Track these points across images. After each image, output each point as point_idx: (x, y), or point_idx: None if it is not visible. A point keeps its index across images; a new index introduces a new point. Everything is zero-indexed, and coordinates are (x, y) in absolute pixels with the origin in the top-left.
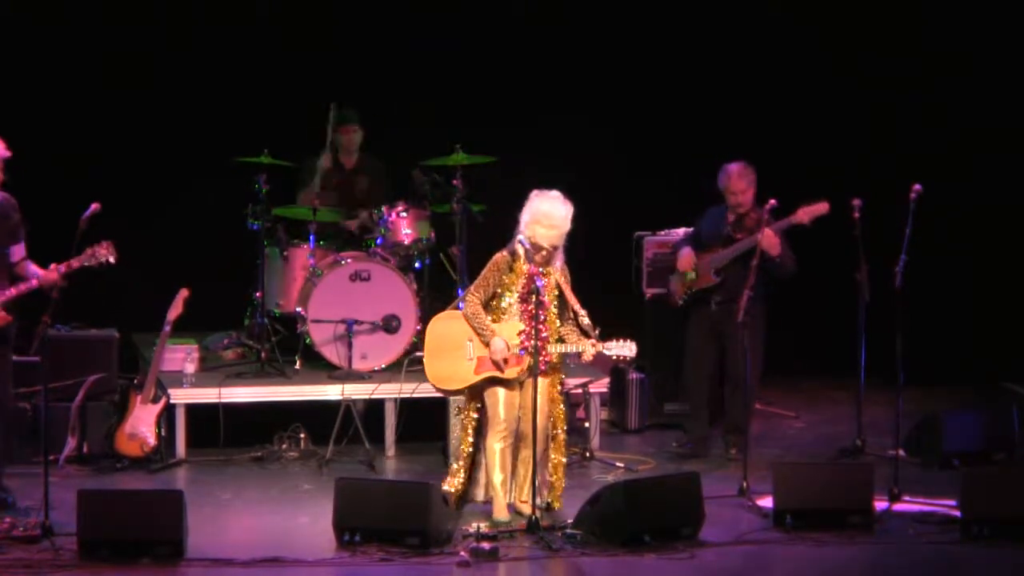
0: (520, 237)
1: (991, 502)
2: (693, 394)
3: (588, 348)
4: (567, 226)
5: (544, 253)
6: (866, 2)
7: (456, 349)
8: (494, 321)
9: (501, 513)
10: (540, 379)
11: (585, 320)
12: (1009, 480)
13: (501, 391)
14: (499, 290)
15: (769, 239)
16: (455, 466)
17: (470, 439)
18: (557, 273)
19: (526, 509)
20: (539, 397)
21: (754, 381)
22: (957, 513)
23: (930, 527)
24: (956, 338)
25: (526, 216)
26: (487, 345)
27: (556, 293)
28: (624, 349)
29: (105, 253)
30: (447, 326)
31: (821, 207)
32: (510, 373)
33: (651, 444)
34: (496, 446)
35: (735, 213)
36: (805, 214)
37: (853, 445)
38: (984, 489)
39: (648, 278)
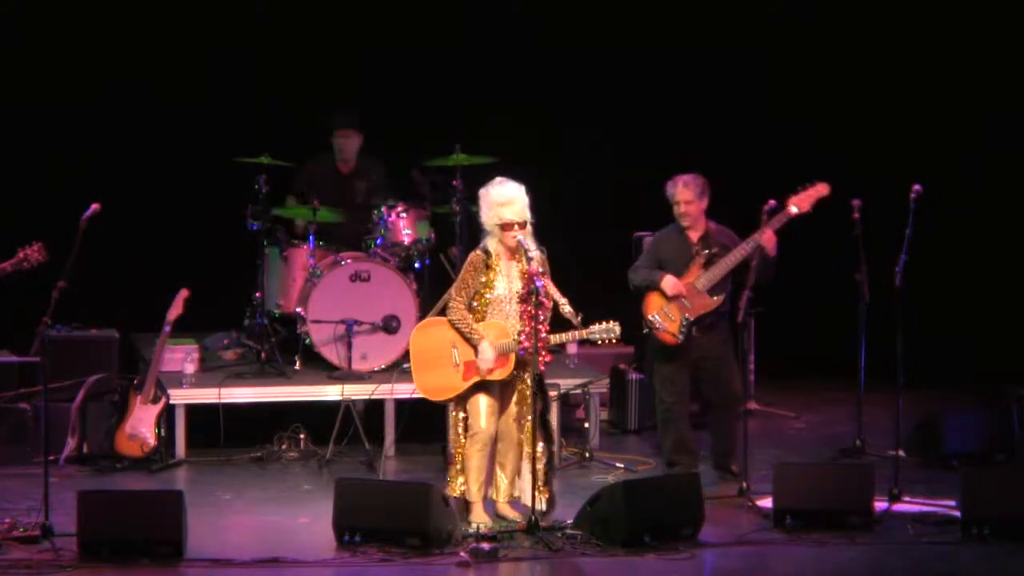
0: (488, 237)
1: (991, 502)
2: (679, 426)
3: (570, 337)
4: (525, 198)
5: (514, 234)
6: (866, 1)
7: (442, 358)
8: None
9: (480, 517)
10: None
11: (567, 308)
12: (1009, 480)
13: (483, 399)
14: (480, 290)
15: (771, 240)
16: (454, 470)
17: (462, 440)
18: (535, 263)
19: (506, 511)
20: (514, 403)
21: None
22: (957, 513)
23: (930, 527)
24: (956, 338)
25: (486, 210)
26: (475, 349)
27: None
28: (608, 332)
29: (37, 256)
30: (429, 336)
31: (819, 189)
32: (498, 375)
33: (651, 444)
34: (475, 455)
35: (691, 230)
36: (803, 201)
37: (853, 445)
38: (984, 489)
39: None
